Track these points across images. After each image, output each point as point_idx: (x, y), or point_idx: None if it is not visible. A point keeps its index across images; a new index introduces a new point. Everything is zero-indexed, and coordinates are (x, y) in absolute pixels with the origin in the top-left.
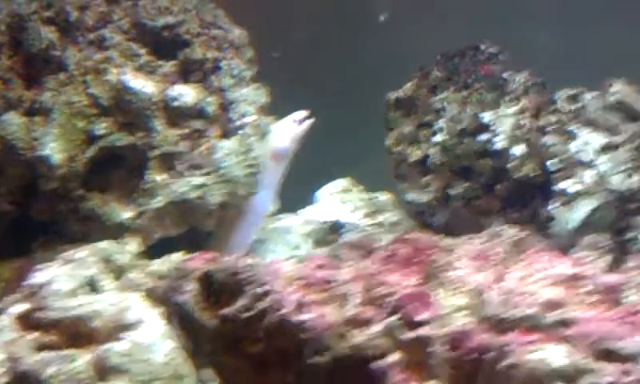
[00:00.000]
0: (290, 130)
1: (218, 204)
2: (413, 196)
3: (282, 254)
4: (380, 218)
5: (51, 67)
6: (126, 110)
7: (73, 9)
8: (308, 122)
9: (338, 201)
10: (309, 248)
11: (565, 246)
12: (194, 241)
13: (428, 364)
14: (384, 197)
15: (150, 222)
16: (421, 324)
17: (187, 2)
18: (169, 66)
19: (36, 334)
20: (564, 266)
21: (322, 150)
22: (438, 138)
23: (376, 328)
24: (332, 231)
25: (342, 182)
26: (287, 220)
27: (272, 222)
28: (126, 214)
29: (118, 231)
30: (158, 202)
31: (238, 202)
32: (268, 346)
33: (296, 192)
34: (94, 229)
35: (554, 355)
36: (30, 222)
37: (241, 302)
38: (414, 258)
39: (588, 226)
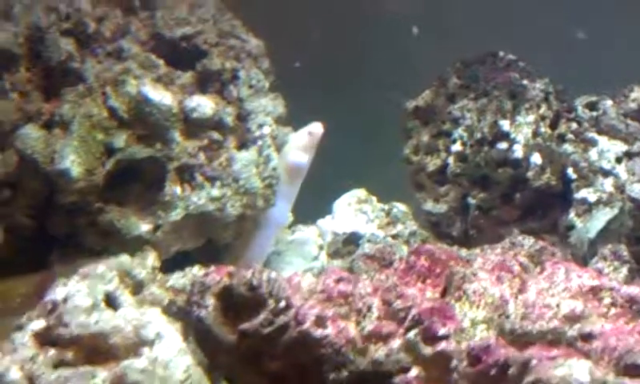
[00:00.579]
0: (305, 142)
1: (236, 216)
2: (430, 206)
3: (299, 265)
4: (397, 229)
5: (70, 79)
6: (145, 121)
7: (91, 20)
8: (320, 133)
9: (355, 212)
10: (326, 259)
11: (584, 255)
12: (210, 254)
13: (448, 379)
14: (400, 207)
15: (168, 235)
16: (441, 338)
17: (205, 13)
18: (187, 77)
19: (54, 351)
20: (584, 278)
21: (337, 161)
22: (457, 146)
23: (396, 343)
24: (348, 243)
25: (357, 193)
26: (304, 232)
27: (289, 234)
28: (145, 226)
29: (136, 244)
30: (177, 214)
31: (256, 214)
32: (287, 361)
33: (312, 203)
34: (113, 242)
35: (578, 371)
36: (47, 235)
37: (261, 317)
38: (433, 270)
39: (607, 234)
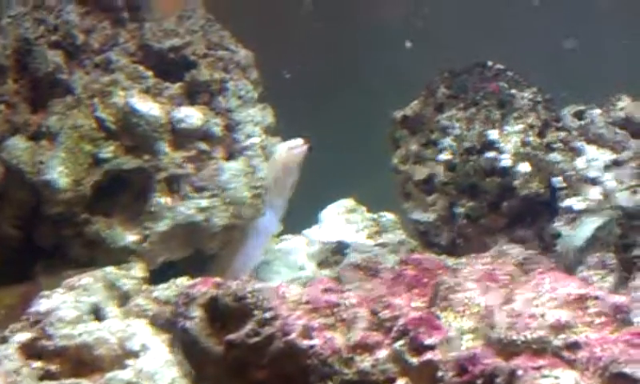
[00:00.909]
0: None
1: (223, 226)
2: (418, 215)
3: (286, 275)
4: (384, 238)
5: (57, 91)
6: (132, 132)
7: (79, 32)
8: (303, 149)
9: (342, 221)
10: (313, 269)
11: (571, 263)
12: (197, 264)
13: None
14: (388, 216)
15: (155, 246)
16: (428, 348)
17: (193, 24)
18: (175, 88)
19: (39, 363)
20: (570, 287)
21: (325, 170)
22: (445, 156)
23: (382, 353)
24: (336, 252)
25: (345, 203)
26: (291, 241)
27: (276, 243)
28: (131, 237)
29: (122, 255)
30: (164, 224)
31: (244, 224)
32: (274, 371)
33: (300, 213)
34: (99, 253)
35: (564, 381)
36: (33, 246)
37: (247, 328)
38: (421, 279)
39: (594, 243)
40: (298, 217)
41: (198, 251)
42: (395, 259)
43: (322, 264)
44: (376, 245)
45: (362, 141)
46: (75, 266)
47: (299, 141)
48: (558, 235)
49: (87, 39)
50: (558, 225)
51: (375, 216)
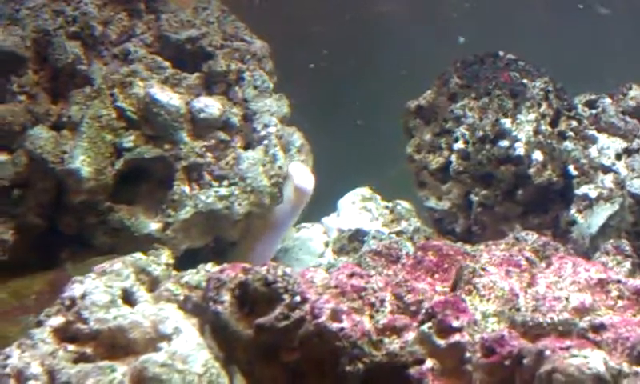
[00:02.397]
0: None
1: (243, 214)
2: (433, 203)
3: (305, 262)
4: (401, 226)
5: (77, 81)
6: (153, 122)
7: (97, 23)
8: (310, 190)
9: (359, 209)
10: (331, 256)
11: (586, 250)
12: (216, 252)
13: (462, 370)
14: (404, 205)
15: (177, 233)
16: (455, 330)
17: (209, 15)
18: (193, 79)
19: (74, 346)
20: (591, 271)
21: (342, 160)
22: (459, 145)
23: (410, 335)
24: (353, 239)
25: (362, 191)
26: (310, 229)
27: (295, 231)
28: (154, 225)
29: (146, 243)
30: (186, 212)
31: (263, 212)
32: (303, 354)
33: (318, 201)
34: (122, 241)
35: (593, 360)
36: (57, 234)
37: (276, 311)
38: (441, 265)
39: (608, 230)
40: (316, 205)
41: (217, 239)
42: (412, 247)
43: (339, 251)
44: (392, 232)
45: (377, 130)
46: (99, 253)
47: (304, 169)
48: (573, 222)
49: (105, 30)
50: (573, 212)
51: (390, 204)
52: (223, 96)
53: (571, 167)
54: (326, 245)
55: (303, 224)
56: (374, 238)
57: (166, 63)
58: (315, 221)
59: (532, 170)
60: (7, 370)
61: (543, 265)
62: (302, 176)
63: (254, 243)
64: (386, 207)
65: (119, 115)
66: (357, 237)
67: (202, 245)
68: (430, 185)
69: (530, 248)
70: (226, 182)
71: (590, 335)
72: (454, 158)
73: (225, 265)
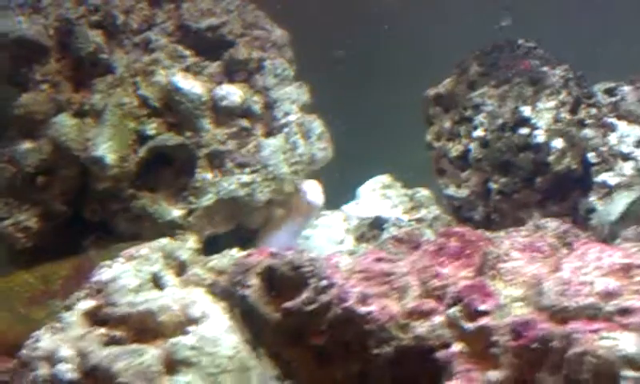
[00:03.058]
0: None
1: (265, 201)
2: (452, 191)
3: (326, 249)
4: (420, 214)
5: (99, 70)
6: (175, 110)
7: (119, 12)
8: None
9: (379, 197)
10: (352, 243)
11: (605, 237)
12: (236, 238)
13: (490, 353)
14: (423, 192)
15: (200, 220)
16: (482, 314)
17: (229, 4)
18: (214, 67)
19: (103, 330)
20: (615, 257)
21: (361, 147)
22: (478, 132)
23: (437, 319)
24: (373, 227)
25: (382, 179)
26: (330, 216)
27: (315, 218)
28: (177, 212)
29: (169, 229)
30: (208, 199)
31: (284, 200)
32: (331, 337)
33: (338, 189)
34: (145, 227)
35: (624, 342)
36: (80, 221)
37: (304, 295)
38: (464, 250)
39: (628, 217)
40: (336, 193)
41: (238, 226)
42: (431, 234)
43: (359, 238)
44: (412, 220)
45: (396, 119)
46: (122, 240)
47: (316, 186)
48: (592, 210)
49: (126, 19)
50: (592, 200)
51: (410, 192)
52: (244, 84)
53: (590, 155)
54: (346, 232)
55: (323, 211)
56: (393, 225)
57: (188, 52)
58: (335, 208)
59: (551, 158)
60: (38, 353)
61: (566, 251)
62: (313, 191)
63: (275, 231)
64: (406, 195)
65: (142, 103)
66: (377, 224)
67: (224, 231)
68: (449, 172)
69: (551, 235)
70: (247, 170)
71: (617, 319)
72: (473, 145)
73: (251, 250)
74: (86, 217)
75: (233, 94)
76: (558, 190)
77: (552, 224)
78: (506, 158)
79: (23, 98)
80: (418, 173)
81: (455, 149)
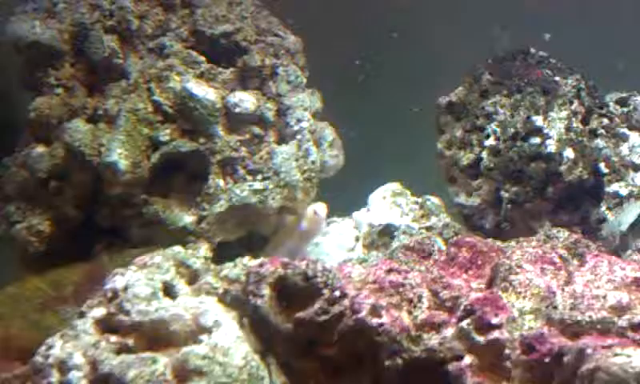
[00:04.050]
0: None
1: (276, 208)
2: (463, 199)
3: (336, 256)
4: (430, 222)
5: (113, 75)
6: (189, 116)
7: (134, 17)
8: (323, 218)
9: (389, 204)
10: (362, 250)
11: (615, 248)
12: (246, 245)
13: (501, 367)
14: (434, 200)
15: (212, 226)
16: (494, 327)
17: (243, 10)
18: (228, 73)
19: (116, 338)
20: (627, 270)
21: (371, 154)
22: (490, 141)
23: (449, 331)
24: (383, 234)
25: (392, 186)
26: (340, 223)
27: (326, 225)
28: (189, 218)
29: (180, 235)
30: (220, 206)
31: (296, 206)
32: (342, 348)
33: (348, 196)
34: (157, 233)
35: (637, 359)
36: (92, 226)
37: (316, 306)
38: (475, 261)
39: (638, 228)
40: (346, 200)
41: (249, 233)
42: (442, 242)
43: (370, 246)
44: (422, 228)
45: (406, 126)
46: (133, 245)
47: (322, 206)
48: (603, 220)
49: (141, 24)
50: (603, 210)
51: (420, 199)
52: (257, 91)
53: (602, 165)
54: (357, 239)
55: (334, 218)
56: (404, 233)
57: (202, 58)
58: (346, 215)
59: (563, 168)
60: (50, 360)
61: (576, 262)
62: (317, 207)
63: (285, 239)
64: (416, 202)
65: (155, 109)
66: (387, 231)
67: (235, 238)
68: (460, 181)
69: (561, 245)
70: (260, 177)
71: (630, 333)
72: (484, 154)
73: (264, 259)
74: (97, 222)
75: (246, 100)
76: (570, 200)
77: (562, 234)
78: (518, 167)
79: (37, 101)
80: (428, 181)
81: (466, 157)
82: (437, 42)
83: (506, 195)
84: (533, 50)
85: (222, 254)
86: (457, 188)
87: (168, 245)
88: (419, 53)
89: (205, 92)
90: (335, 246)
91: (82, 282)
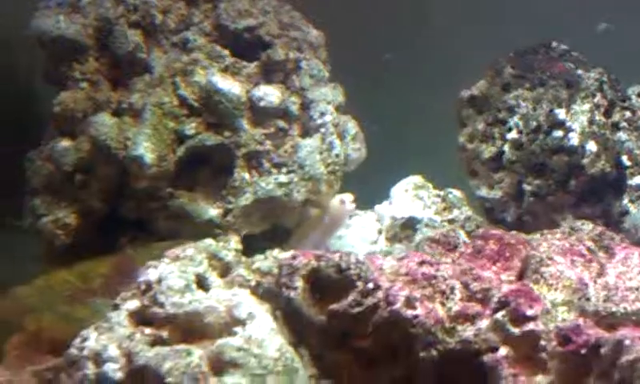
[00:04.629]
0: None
1: (301, 201)
2: (485, 192)
3: (359, 248)
4: (452, 214)
5: (136, 69)
6: (214, 110)
7: (157, 12)
8: (352, 206)
9: (412, 197)
10: (385, 243)
11: (637, 240)
12: (271, 238)
13: (537, 358)
14: (455, 193)
15: (237, 219)
16: (529, 319)
17: (266, 5)
18: (252, 67)
19: (150, 330)
20: None
21: (394, 148)
22: (512, 134)
23: (483, 323)
24: (406, 227)
25: (414, 179)
26: (363, 216)
27: (348, 219)
28: (214, 211)
29: (206, 228)
30: (246, 199)
31: (320, 199)
32: (376, 340)
33: (370, 189)
34: (183, 226)
35: None
36: (117, 219)
37: (350, 298)
38: (502, 253)
39: None
40: (369, 193)
41: (273, 226)
42: (465, 235)
43: (392, 238)
44: (444, 220)
45: (427, 121)
46: (159, 238)
47: (349, 196)
48: (626, 212)
49: (165, 19)
50: (626, 202)
51: (442, 192)
52: (281, 85)
53: (624, 158)
54: (379, 232)
55: (356, 211)
56: (426, 225)
57: (226, 51)
58: (368, 208)
59: (585, 161)
60: (85, 352)
61: (602, 254)
62: (344, 196)
63: (309, 231)
64: (438, 195)
65: (181, 103)
66: (409, 224)
67: (260, 231)
68: (481, 174)
69: (587, 237)
70: (284, 170)
71: None
72: (507, 147)
73: (296, 251)
74: (123, 215)
75: (270, 94)
76: (592, 193)
77: (587, 227)
78: (540, 161)
79: (62, 96)
80: (450, 174)
81: (488, 150)
82: (460, 38)
83: (529, 188)
84: (554, 44)
85: (247, 247)
86: (478, 181)
87: (193, 238)
88: (442, 49)
89: (230, 86)
90: (358, 238)
91: (111, 274)
